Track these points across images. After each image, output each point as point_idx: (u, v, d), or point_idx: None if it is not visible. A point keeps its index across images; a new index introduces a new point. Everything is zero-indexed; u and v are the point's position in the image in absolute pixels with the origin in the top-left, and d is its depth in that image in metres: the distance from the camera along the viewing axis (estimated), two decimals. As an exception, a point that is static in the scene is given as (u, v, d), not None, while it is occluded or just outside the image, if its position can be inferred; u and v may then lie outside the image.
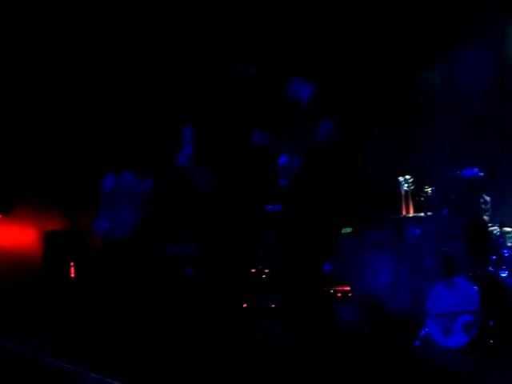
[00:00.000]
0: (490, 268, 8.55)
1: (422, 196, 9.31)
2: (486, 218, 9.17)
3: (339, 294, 10.07)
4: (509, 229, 9.03)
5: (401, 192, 9.74)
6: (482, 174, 9.21)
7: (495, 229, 8.96)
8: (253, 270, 10.85)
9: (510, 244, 8.87)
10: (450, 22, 11.06)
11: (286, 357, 7.55)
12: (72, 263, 11.74)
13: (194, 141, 8.37)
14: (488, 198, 9.40)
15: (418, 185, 9.64)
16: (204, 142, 8.91)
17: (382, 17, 11.51)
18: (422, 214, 9.48)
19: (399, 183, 9.75)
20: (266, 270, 10.72)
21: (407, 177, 9.74)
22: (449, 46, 11.33)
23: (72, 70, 12.42)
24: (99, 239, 8.87)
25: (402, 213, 9.74)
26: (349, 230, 10.27)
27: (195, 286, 8.71)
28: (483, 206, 9.21)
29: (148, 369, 7.31)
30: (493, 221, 9.20)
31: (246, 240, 10.62)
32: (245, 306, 10.48)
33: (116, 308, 8.76)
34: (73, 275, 11.68)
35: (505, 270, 8.50)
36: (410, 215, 9.66)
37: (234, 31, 11.97)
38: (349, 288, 10.05)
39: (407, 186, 9.70)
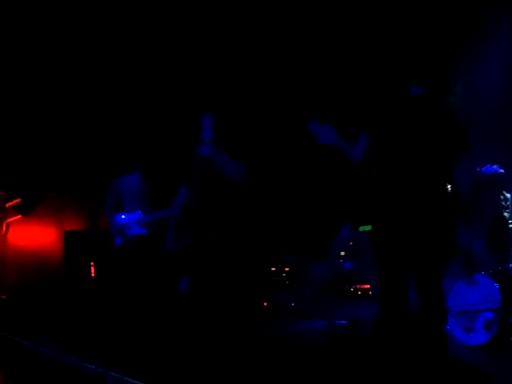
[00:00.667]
0: (511, 265, 8.51)
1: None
2: (506, 214, 9.14)
3: (360, 292, 10.07)
4: (528, 225, 8.98)
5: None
6: (502, 170, 9.17)
7: (515, 225, 8.92)
8: (273, 269, 10.90)
9: (530, 241, 8.82)
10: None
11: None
12: (92, 263, 11.78)
13: (213, 127, 8.22)
14: (508, 195, 9.35)
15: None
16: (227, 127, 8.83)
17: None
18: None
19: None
20: (286, 269, 10.75)
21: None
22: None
23: (89, 69, 12.43)
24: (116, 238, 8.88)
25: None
26: (369, 227, 10.24)
27: (214, 284, 8.70)
28: (503, 202, 9.17)
29: (164, 367, 7.32)
30: (513, 218, 9.17)
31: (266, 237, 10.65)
32: (265, 304, 10.51)
33: (135, 307, 8.76)
34: (93, 275, 11.72)
35: (525, 267, 8.46)
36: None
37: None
38: (369, 286, 10.03)
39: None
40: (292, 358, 7.51)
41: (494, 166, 9.14)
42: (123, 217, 8.80)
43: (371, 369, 6.52)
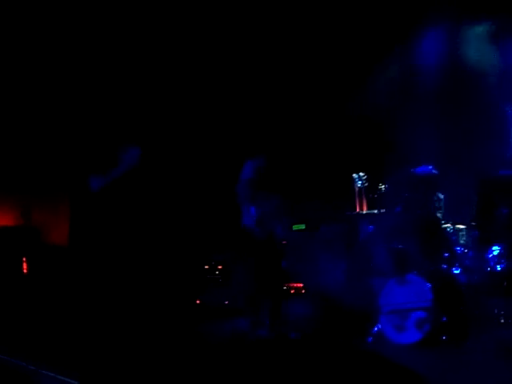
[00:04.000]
0: (443, 265, 8.59)
1: (376, 193, 9.34)
2: (438, 215, 9.22)
3: (292, 291, 10.05)
4: (462, 226, 9.08)
5: (355, 189, 9.75)
6: (435, 171, 9.26)
7: (448, 226, 9.01)
8: (206, 267, 10.81)
9: (462, 241, 8.92)
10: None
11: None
12: (24, 258, 11.55)
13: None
14: (441, 196, 9.45)
15: (372, 182, 9.66)
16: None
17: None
18: (376, 211, 9.52)
19: (353, 180, 9.75)
20: (220, 267, 10.67)
21: (361, 174, 9.76)
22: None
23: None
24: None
25: (355, 210, 9.75)
26: (302, 226, 10.25)
27: (148, 281, 8.61)
28: (436, 203, 9.26)
29: (95, 365, 7.20)
30: (446, 218, 9.25)
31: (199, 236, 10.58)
32: (198, 302, 10.42)
33: (68, 303, 8.63)
34: (25, 271, 11.49)
35: (457, 267, 8.55)
36: (364, 212, 9.69)
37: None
38: (302, 284, 10.02)
39: (361, 183, 9.71)
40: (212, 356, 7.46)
41: (428, 167, 9.22)
42: None
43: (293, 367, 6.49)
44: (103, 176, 8.33)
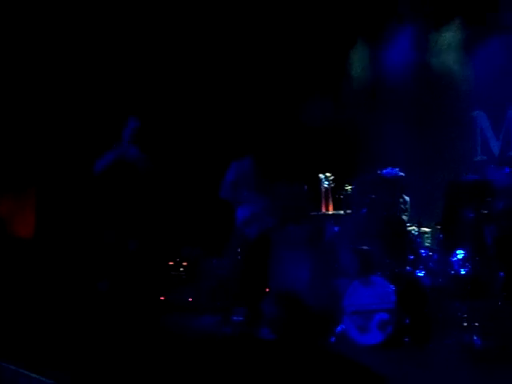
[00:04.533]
0: (407, 267, 8.62)
1: (342, 194, 9.35)
2: (404, 217, 9.26)
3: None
4: (427, 229, 9.12)
5: (321, 189, 9.74)
6: (402, 174, 9.29)
7: (413, 229, 9.04)
8: (170, 263, 10.76)
9: (427, 244, 8.97)
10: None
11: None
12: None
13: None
14: (407, 198, 9.49)
15: (339, 183, 9.67)
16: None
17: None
18: (342, 212, 9.53)
19: (320, 181, 9.75)
20: (185, 263, 10.63)
21: (328, 174, 9.76)
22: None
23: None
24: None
25: (321, 210, 9.75)
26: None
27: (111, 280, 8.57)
28: (402, 205, 9.30)
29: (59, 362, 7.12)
30: (411, 221, 9.29)
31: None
32: (162, 298, 10.37)
33: (33, 296, 8.55)
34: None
35: (422, 269, 8.58)
36: (330, 213, 9.69)
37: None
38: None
39: (327, 184, 9.71)
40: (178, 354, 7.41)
41: (395, 170, 9.24)
42: None
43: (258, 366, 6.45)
44: (103, 159, 8.46)
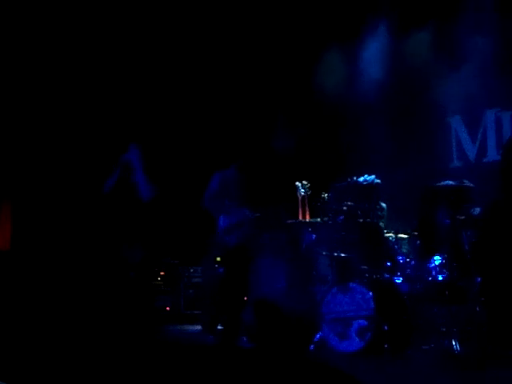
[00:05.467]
0: (385, 274, 8.63)
1: (319, 201, 9.35)
2: (381, 224, 9.27)
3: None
4: (404, 235, 9.13)
5: (298, 197, 9.74)
6: (378, 181, 9.30)
7: (390, 235, 9.05)
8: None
9: (404, 251, 8.97)
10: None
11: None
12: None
13: None
14: (384, 205, 9.51)
15: (315, 190, 9.68)
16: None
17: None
18: (319, 220, 9.53)
19: (296, 188, 9.75)
20: (162, 273, 10.60)
21: (304, 182, 9.76)
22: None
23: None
24: None
25: (298, 218, 9.74)
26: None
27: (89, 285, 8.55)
28: (379, 212, 9.31)
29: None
30: (388, 227, 9.30)
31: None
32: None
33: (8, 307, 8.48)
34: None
35: (399, 276, 8.58)
36: (307, 220, 9.68)
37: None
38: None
39: (304, 191, 9.71)
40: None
41: (371, 177, 9.26)
42: None
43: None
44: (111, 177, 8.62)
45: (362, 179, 9.25)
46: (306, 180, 9.79)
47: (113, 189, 8.84)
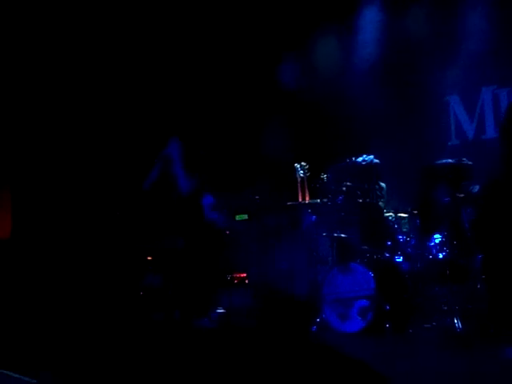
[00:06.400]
0: (386, 253, 8.63)
1: (318, 183, 9.34)
2: (381, 204, 9.27)
3: (236, 281, 10.01)
4: (404, 215, 9.14)
5: (297, 179, 9.74)
6: (376, 160, 9.30)
7: (390, 215, 9.06)
8: (149, 258, 10.70)
9: (404, 230, 8.99)
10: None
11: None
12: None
13: None
14: (383, 185, 9.52)
15: (314, 172, 9.67)
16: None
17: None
18: (318, 201, 9.52)
19: (295, 170, 9.74)
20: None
21: (303, 163, 9.75)
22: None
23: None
24: None
25: (298, 199, 9.74)
26: (245, 216, 10.23)
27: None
28: (378, 192, 9.30)
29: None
30: (388, 207, 9.31)
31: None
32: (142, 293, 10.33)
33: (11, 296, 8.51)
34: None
35: (400, 255, 8.60)
36: (306, 202, 9.68)
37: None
38: (245, 274, 10.00)
39: (303, 173, 9.70)
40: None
41: (370, 156, 9.25)
42: None
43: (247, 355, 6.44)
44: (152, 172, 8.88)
45: (360, 159, 9.23)
46: (305, 161, 9.77)
47: (154, 183, 8.92)
